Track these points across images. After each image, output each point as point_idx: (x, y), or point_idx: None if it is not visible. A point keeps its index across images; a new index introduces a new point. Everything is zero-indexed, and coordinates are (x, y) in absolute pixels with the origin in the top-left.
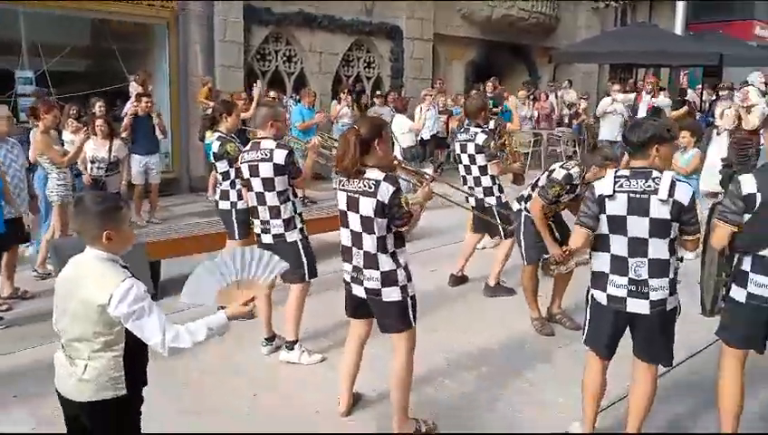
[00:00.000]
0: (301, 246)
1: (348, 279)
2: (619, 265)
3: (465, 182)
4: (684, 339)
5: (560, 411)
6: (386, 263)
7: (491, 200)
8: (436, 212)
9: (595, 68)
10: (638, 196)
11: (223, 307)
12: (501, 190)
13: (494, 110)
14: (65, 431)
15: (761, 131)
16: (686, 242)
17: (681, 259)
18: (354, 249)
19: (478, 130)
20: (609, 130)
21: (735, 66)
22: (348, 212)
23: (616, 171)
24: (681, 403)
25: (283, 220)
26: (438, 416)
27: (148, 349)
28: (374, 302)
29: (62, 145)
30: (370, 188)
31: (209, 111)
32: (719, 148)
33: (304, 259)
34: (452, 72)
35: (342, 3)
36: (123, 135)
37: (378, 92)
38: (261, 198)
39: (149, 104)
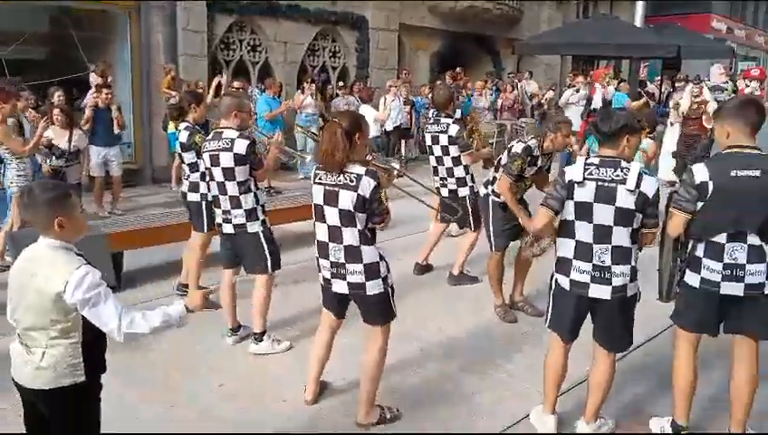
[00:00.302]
0: (262, 237)
1: (327, 276)
2: (584, 252)
3: (435, 173)
4: (642, 323)
5: (522, 396)
6: (369, 255)
7: (464, 191)
8: (398, 202)
9: (558, 59)
10: (606, 184)
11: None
12: (473, 180)
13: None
14: (17, 429)
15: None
16: (644, 235)
17: (641, 248)
18: (332, 244)
19: (450, 120)
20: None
21: (693, 59)
22: (325, 206)
23: (586, 159)
24: (639, 385)
25: (245, 211)
26: (403, 403)
27: (106, 335)
28: (358, 296)
29: (23, 135)
30: (352, 181)
31: (172, 101)
32: (672, 138)
33: (267, 251)
34: (418, 63)
35: None
36: (85, 127)
37: (341, 83)
38: (222, 188)
39: (110, 96)
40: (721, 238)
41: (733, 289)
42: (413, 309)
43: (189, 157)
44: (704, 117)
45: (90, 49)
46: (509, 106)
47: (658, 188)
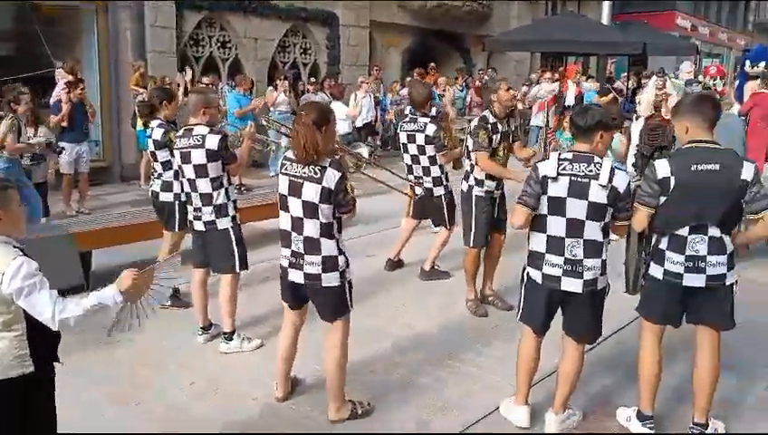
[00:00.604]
0: (232, 234)
1: (285, 264)
2: (556, 245)
3: (410, 171)
4: (610, 315)
5: (492, 388)
6: (328, 247)
7: (439, 190)
8: (373, 198)
9: (527, 56)
10: (579, 179)
11: None
12: (447, 179)
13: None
14: None
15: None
16: (616, 227)
17: (609, 241)
18: (294, 234)
19: (427, 120)
20: (539, 117)
21: (659, 55)
22: (289, 197)
23: (559, 154)
24: (607, 376)
25: (215, 207)
26: (375, 398)
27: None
28: (312, 287)
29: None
30: (316, 173)
31: (140, 98)
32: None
33: (235, 249)
34: (389, 60)
35: None
36: (63, 124)
37: (312, 79)
38: (193, 185)
39: (84, 91)
40: (683, 231)
41: (695, 281)
42: (384, 305)
43: (163, 155)
44: (663, 109)
45: (55, 45)
46: (478, 102)
47: (630, 183)
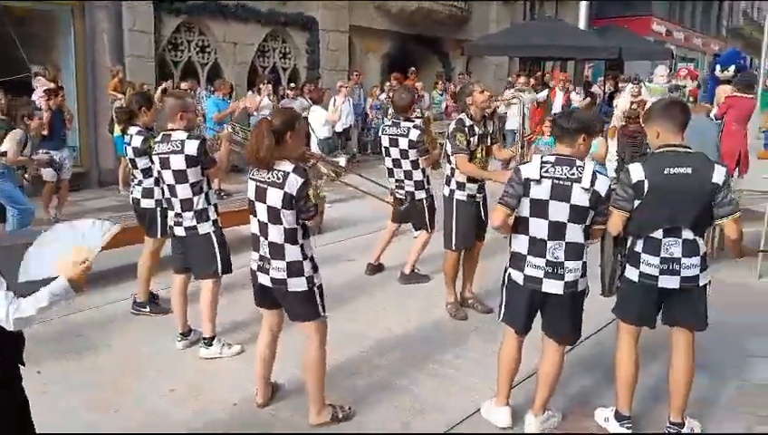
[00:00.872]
0: (214, 238)
1: (254, 268)
2: (538, 247)
3: (391, 175)
4: (589, 317)
5: (473, 392)
6: (292, 253)
7: (421, 194)
8: (352, 202)
9: (506, 60)
10: (561, 183)
11: None
12: (429, 183)
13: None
14: None
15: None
16: (593, 230)
17: (589, 243)
18: (261, 239)
19: (410, 124)
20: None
21: (634, 60)
22: (256, 202)
23: (542, 158)
24: (586, 377)
25: (195, 212)
26: (356, 401)
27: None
28: (279, 292)
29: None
30: (279, 179)
31: (117, 103)
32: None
33: (218, 253)
34: (368, 64)
35: None
36: (44, 132)
37: (291, 84)
38: (172, 191)
39: (63, 99)
40: (658, 234)
41: (670, 282)
42: (365, 309)
43: (143, 162)
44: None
45: (30, 49)
46: (455, 107)
47: (610, 186)
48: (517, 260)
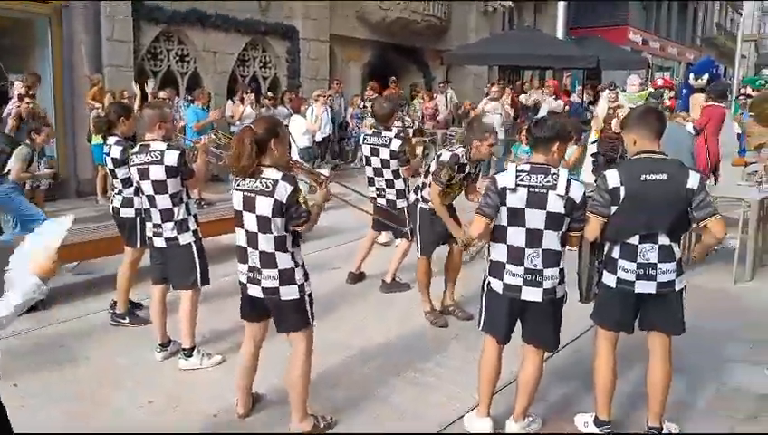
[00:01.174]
0: (194, 249)
1: (244, 280)
2: (517, 256)
3: (371, 183)
4: (568, 324)
5: (455, 401)
6: (284, 261)
7: (402, 203)
8: (334, 212)
9: (485, 69)
10: (536, 190)
11: None
12: (410, 192)
13: None
14: None
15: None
16: (569, 237)
17: (566, 250)
18: (250, 249)
19: (391, 134)
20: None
21: (611, 69)
22: (243, 212)
23: (517, 166)
24: (565, 383)
25: (175, 222)
26: (337, 411)
27: None
28: (272, 301)
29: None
30: (268, 187)
31: (94, 113)
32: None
33: (197, 264)
34: (349, 73)
35: (236, 2)
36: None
37: (269, 94)
38: (152, 201)
39: (28, 105)
40: (634, 240)
41: (646, 287)
42: (347, 318)
43: (123, 172)
44: (614, 121)
45: (7, 57)
46: (430, 115)
47: (584, 193)
48: (496, 269)
